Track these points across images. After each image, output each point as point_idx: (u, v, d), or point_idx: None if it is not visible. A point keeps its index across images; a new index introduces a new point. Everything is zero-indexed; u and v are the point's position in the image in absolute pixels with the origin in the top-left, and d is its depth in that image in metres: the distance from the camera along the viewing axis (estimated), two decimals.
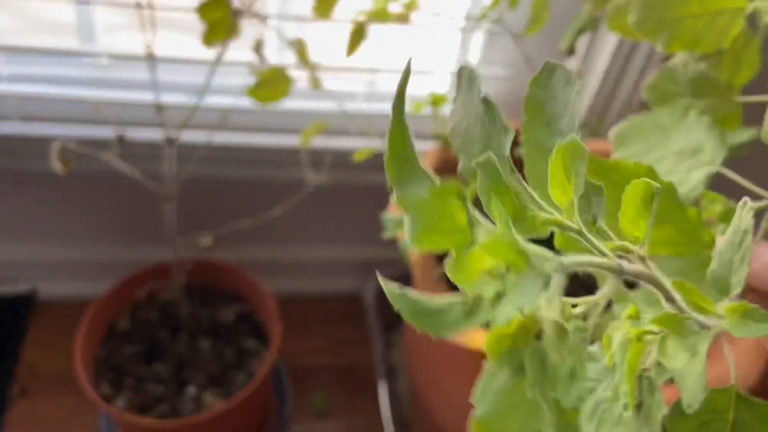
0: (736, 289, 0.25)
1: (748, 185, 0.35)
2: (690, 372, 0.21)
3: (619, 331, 0.23)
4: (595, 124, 0.86)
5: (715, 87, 0.42)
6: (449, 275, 0.22)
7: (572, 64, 0.73)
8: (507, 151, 0.24)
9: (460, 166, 0.26)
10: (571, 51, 0.62)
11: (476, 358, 0.71)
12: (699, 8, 0.37)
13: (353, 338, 0.98)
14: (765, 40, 0.40)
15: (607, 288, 0.23)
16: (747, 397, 0.26)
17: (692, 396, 0.20)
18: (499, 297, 0.20)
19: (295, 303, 1.03)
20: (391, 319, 0.97)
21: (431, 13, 0.71)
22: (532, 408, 0.20)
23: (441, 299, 0.22)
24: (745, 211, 0.26)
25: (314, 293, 1.04)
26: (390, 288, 0.22)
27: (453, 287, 0.81)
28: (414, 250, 0.65)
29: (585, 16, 0.60)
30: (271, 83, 0.62)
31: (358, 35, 0.59)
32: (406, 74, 0.22)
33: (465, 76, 0.26)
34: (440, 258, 0.67)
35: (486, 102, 0.25)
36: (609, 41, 0.77)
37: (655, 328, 0.22)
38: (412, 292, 0.22)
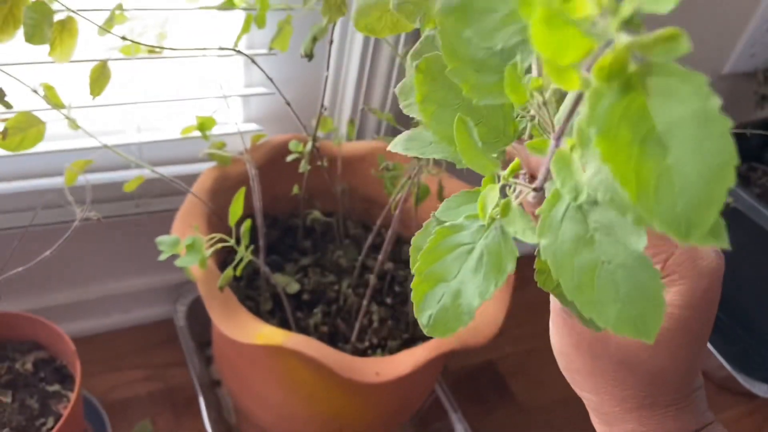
0: None
1: None
2: None
3: None
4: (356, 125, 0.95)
5: None
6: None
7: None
8: None
9: (438, 5, 0.23)
10: (309, 56, 0.70)
11: (270, 353, 0.77)
12: None
13: (172, 361, 1.00)
14: None
15: None
16: None
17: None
18: None
19: (110, 338, 1.02)
20: (205, 336, 1.00)
21: (186, 44, 0.75)
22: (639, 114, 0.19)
23: None
24: None
25: (129, 325, 1.04)
26: None
27: (240, 297, 0.88)
28: (196, 266, 0.69)
29: (318, 27, 0.68)
30: (20, 130, 0.63)
31: (100, 75, 0.62)
32: None
33: None
34: (222, 268, 0.72)
35: None
36: (356, 44, 0.87)
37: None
38: None
